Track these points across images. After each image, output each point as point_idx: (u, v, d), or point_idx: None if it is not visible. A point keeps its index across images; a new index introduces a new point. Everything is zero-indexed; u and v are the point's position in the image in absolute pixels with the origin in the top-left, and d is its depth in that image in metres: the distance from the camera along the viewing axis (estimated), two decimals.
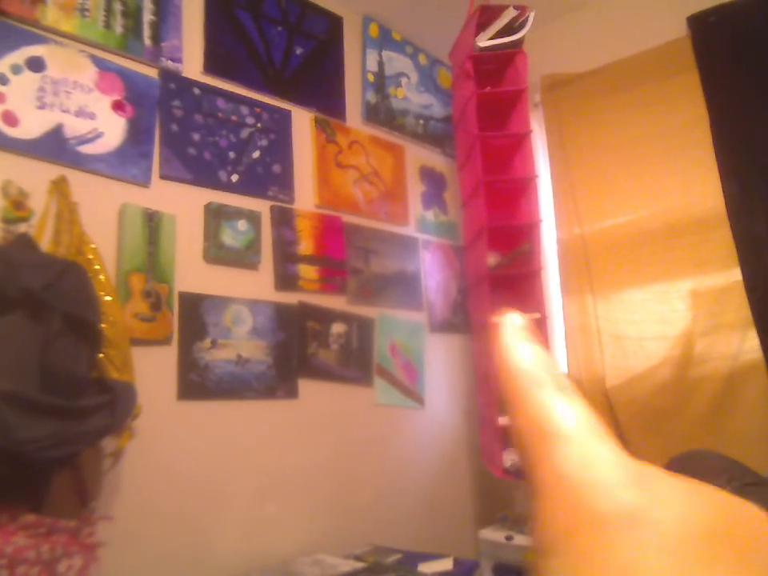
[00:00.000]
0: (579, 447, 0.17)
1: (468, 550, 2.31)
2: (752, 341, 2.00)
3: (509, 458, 2.16)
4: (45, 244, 1.49)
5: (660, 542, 0.14)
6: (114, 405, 1.39)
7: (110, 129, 1.72)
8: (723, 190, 2.11)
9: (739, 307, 2.04)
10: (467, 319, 2.58)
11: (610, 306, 2.36)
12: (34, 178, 1.55)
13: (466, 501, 2.49)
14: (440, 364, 2.50)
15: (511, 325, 0.22)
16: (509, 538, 2.11)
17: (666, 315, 2.23)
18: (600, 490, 0.16)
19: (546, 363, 0.21)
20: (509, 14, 2.25)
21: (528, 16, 2.25)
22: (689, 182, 2.22)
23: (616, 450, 0.17)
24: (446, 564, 1.83)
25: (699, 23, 2.22)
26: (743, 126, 2.10)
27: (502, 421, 2.16)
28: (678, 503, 0.15)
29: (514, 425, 0.20)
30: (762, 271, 2.02)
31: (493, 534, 2.19)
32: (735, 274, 2.07)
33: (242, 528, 1.81)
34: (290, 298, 2.04)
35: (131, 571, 1.56)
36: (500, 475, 2.15)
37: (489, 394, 2.27)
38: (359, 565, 1.76)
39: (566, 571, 0.15)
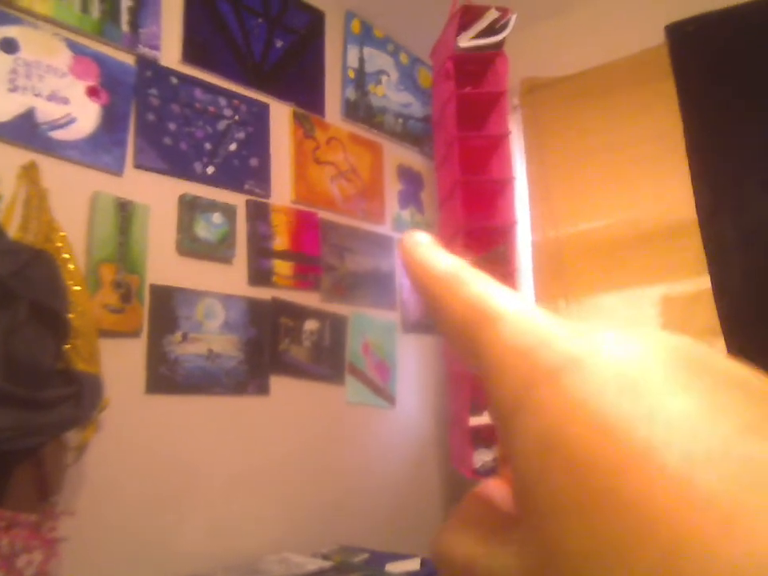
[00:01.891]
0: (520, 319, 0.17)
1: None
2: (720, 347, 2.03)
3: (479, 459, 2.17)
4: (12, 230, 1.45)
5: (607, 373, 0.14)
6: (79, 397, 1.35)
7: (83, 115, 1.68)
8: (695, 198, 2.14)
9: (708, 313, 2.07)
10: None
11: (582, 309, 2.38)
12: (3, 163, 1.51)
13: (434, 501, 2.49)
14: (412, 364, 2.50)
15: (420, 240, 0.21)
16: None
17: (637, 320, 2.26)
18: (549, 346, 0.16)
19: (461, 262, 0.20)
20: (490, 16, 2.26)
21: (510, 18, 2.26)
22: (662, 189, 2.25)
23: (557, 317, 0.17)
24: (414, 564, 1.82)
25: (677, 32, 2.25)
26: (717, 135, 2.14)
27: (473, 422, 2.17)
28: (620, 341, 0.15)
29: (445, 323, 0.19)
30: (730, 279, 2.06)
31: None
32: (705, 281, 2.10)
33: (207, 525, 1.79)
34: (264, 294, 2.02)
35: (92, 567, 1.53)
36: (470, 476, 2.16)
37: (460, 395, 2.28)
38: (326, 564, 1.75)
39: (532, 422, 0.15)
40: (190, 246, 1.85)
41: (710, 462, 0.12)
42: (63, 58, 1.67)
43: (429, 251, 0.21)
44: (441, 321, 0.20)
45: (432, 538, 0.20)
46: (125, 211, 1.71)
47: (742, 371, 0.15)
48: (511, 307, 0.18)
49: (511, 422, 0.16)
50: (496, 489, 0.21)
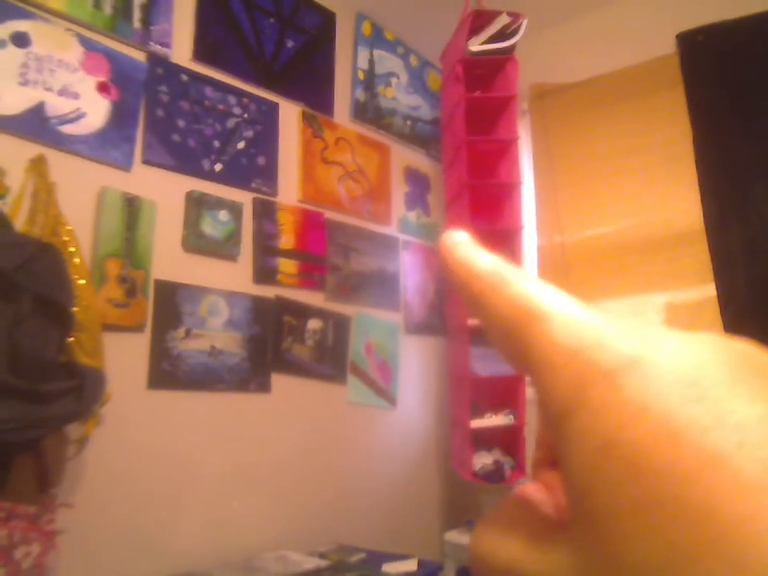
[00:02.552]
0: (569, 318, 0.17)
1: (433, 551, 2.32)
2: None
3: (479, 462, 2.17)
4: (19, 223, 1.46)
5: (670, 376, 0.14)
6: (81, 390, 1.36)
7: (93, 110, 1.69)
8: (702, 207, 2.14)
9: (712, 322, 2.07)
10: (443, 321, 2.58)
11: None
12: (12, 156, 1.52)
13: (433, 503, 2.49)
14: (414, 365, 2.50)
15: (460, 239, 0.21)
16: None
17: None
18: (602, 346, 0.15)
19: (502, 261, 0.20)
20: (502, 21, 2.26)
21: (521, 23, 2.26)
22: (669, 197, 2.25)
23: (606, 315, 0.17)
24: (410, 565, 1.83)
25: (688, 41, 2.25)
26: (725, 144, 2.13)
27: (474, 424, 2.17)
28: (678, 343, 0.15)
29: (490, 322, 0.19)
30: (735, 288, 2.05)
31: (458, 537, 2.19)
32: (710, 290, 2.10)
33: (205, 521, 1.80)
34: (268, 292, 2.02)
35: (89, 561, 1.54)
36: (470, 478, 2.16)
37: (461, 397, 2.28)
38: (323, 563, 1.75)
39: (590, 424, 0.14)
40: (195, 242, 1.85)
41: None
42: (75, 53, 1.68)
43: (469, 249, 0.21)
44: (485, 320, 0.19)
45: (470, 539, 0.20)
46: (132, 206, 1.72)
47: None
48: (559, 305, 0.17)
49: (565, 422, 0.15)
50: (536, 492, 0.20)
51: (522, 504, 0.20)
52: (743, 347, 0.15)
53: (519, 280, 0.18)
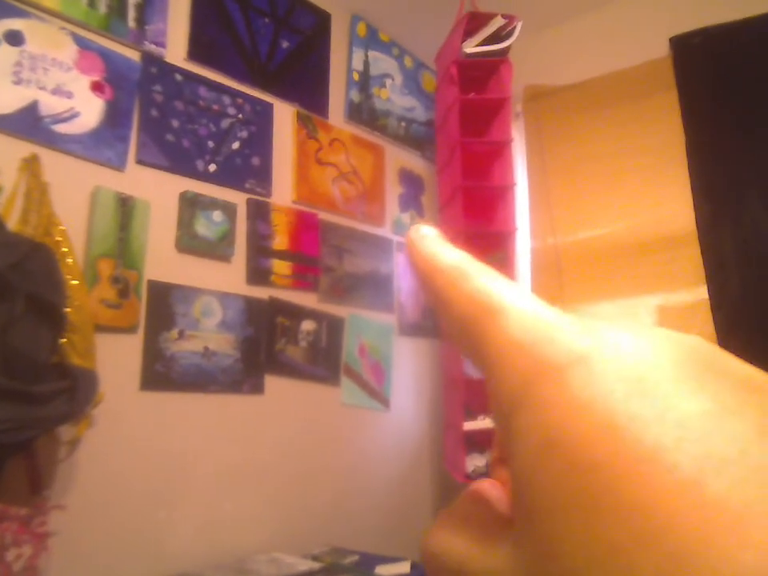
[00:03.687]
0: (524, 313, 0.17)
1: None
2: None
3: (472, 464, 2.17)
4: (12, 223, 1.45)
5: (617, 372, 0.14)
6: (73, 391, 1.35)
7: (87, 109, 1.68)
8: (695, 210, 2.15)
9: (704, 324, 2.08)
10: (437, 323, 2.58)
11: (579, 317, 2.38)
12: (5, 155, 1.51)
13: (426, 505, 2.49)
14: (408, 367, 2.50)
15: (426, 233, 0.21)
16: None
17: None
18: (553, 342, 0.15)
19: (467, 257, 0.20)
20: (496, 23, 2.27)
21: (515, 25, 2.26)
22: (662, 200, 2.26)
23: (561, 312, 0.17)
24: (404, 567, 1.82)
25: (681, 44, 2.26)
26: (718, 148, 2.14)
27: (467, 426, 2.17)
28: (628, 339, 0.15)
29: (448, 316, 0.19)
30: (727, 290, 2.06)
31: None
32: (702, 292, 2.11)
33: (198, 523, 1.79)
34: (261, 293, 2.02)
35: (82, 563, 1.53)
36: (462, 480, 2.16)
37: (454, 399, 2.28)
38: (316, 565, 1.75)
39: (534, 420, 0.14)
40: (189, 243, 1.85)
41: (723, 466, 0.12)
42: (69, 52, 1.67)
43: (435, 244, 0.20)
44: (444, 314, 0.19)
45: (423, 536, 0.20)
46: (125, 207, 1.71)
47: (755, 373, 0.14)
48: (515, 301, 0.17)
49: (512, 418, 0.15)
50: (490, 489, 0.20)
51: (476, 501, 0.20)
52: (694, 342, 0.15)
53: (480, 275, 0.18)
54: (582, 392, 0.14)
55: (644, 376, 0.14)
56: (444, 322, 0.19)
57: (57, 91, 1.63)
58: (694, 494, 0.11)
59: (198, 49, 1.98)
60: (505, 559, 0.15)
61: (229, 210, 1.95)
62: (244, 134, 2.06)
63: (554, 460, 0.13)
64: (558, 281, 2.46)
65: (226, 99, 2.03)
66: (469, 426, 2.18)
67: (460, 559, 0.17)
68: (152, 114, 1.83)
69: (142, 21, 1.84)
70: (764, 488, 0.11)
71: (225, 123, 2.01)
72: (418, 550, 0.20)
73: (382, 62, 2.61)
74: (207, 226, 1.89)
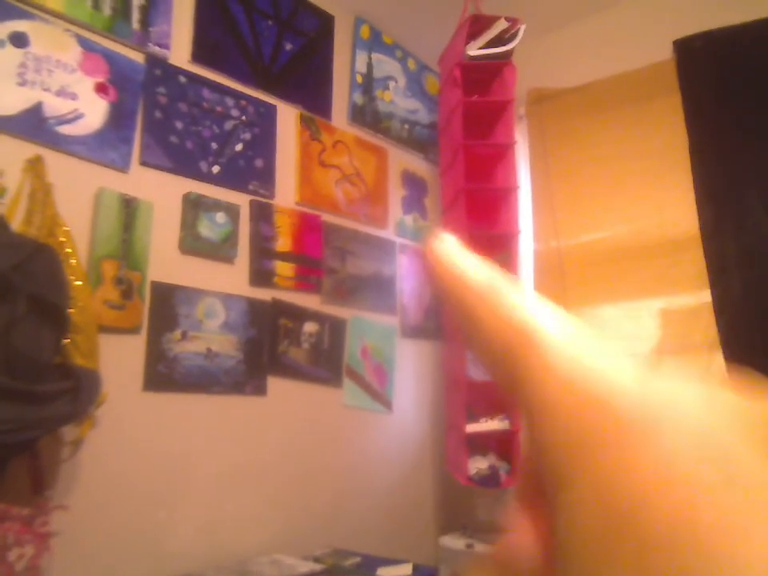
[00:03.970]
0: (571, 350, 0.15)
1: (428, 556, 2.31)
2: (719, 362, 2.03)
3: (474, 466, 2.17)
4: (16, 224, 1.45)
5: (697, 438, 0.13)
6: (76, 392, 1.36)
7: (91, 111, 1.69)
8: (698, 214, 2.14)
9: (707, 328, 2.07)
10: (439, 325, 2.58)
11: (582, 320, 2.38)
12: (9, 156, 1.51)
13: (428, 507, 2.49)
14: (410, 369, 2.50)
15: (448, 243, 0.20)
16: (469, 546, 2.12)
17: (636, 332, 2.26)
18: (610, 391, 0.14)
19: (496, 271, 0.18)
20: (500, 26, 2.27)
21: (519, 28, 2.26)
22: (664, 203, 2.25)
23: (602, 342, 0.15)
24: (405, 569, 1.82)
25: (685, 48, 2.26)
26: (721, 151, 2.14)
27: (470, 428, 2.17)
28: (699, 398, 0.14)
29: (481, 339, 0.17)
30: (730, 294, 2.06)
31: (453, 542, 2.19)
32: (705, 296, 2.10)
33: (200, 524, 1.79)
34: (264, 294, 2.02)
35: (83, 563, 1.53)
36: (465, 483, 2.15)
37: (457, 402, 2.28)
38: (317, 567, 1.75)
39: (598, 491, 0.13)
40: (192, 244, 1.85)
41: None
42: (73, 53, 1.68)
43: (461, 257, 0.19)
44: (475, 335, 0.18)
45: None
46: (129, 208, 1.71)
47: None
48: (557, 329, 0.16)
49: (566, 481, 0.13)
50: (521, 541, 0.17)
51: (507, 557, 0.17)
52: (762, 407, 0.14)
53: (513, 295, 0.17)
54: (651, 460, 0.12)
55: (719, 450, 0.12)
56: (474, 342, 0.18)
57: (61, 93, 1.64)
58: None
59: (202, 51, 1.99)
60: None
61: (232, 211, 1.96)
62: (247, 135, 2.06)
63: (627, 546, 0.12)
64: (561, 283, 2.46)
65: (230, 101, 2.04)
66: (471, 428, 2.18)
67: None
68: (156, 115, 1.84)
69: (146, 23, 1.85)
70: None
71: (228, 125, 2.02)
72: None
73: (386, 65, 2.62)
74: (210, 227, 1.90)
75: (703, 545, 0.11)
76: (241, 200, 2.01)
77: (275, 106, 2.17)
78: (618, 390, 0.14)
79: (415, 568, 1.84)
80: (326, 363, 2.18)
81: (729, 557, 0.11)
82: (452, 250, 0.19)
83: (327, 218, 2.27)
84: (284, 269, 2.08)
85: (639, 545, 0.12)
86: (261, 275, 2.02)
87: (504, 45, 2.29)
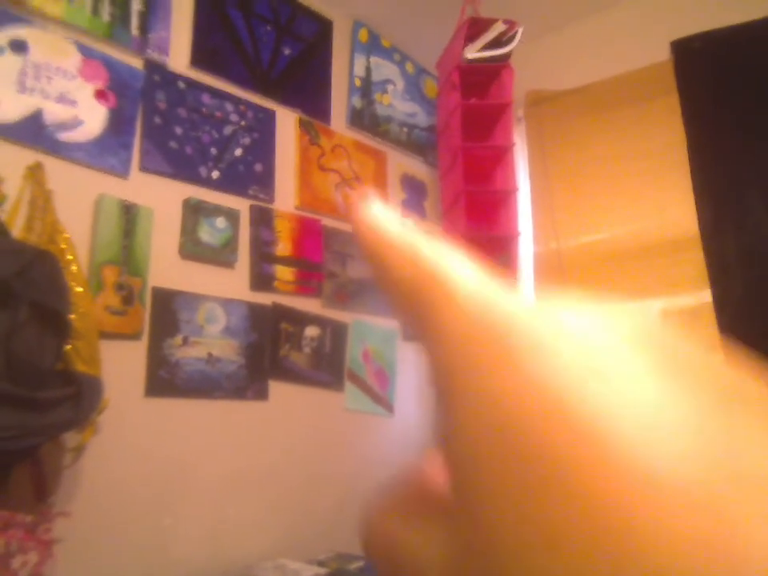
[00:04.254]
0: (479, 290, 0.16)
1: None
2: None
3: None
4: (16, 231, 1.46)
5: (575, 353, 0.13)
6: (78, 398, 1.36)
7: (90, 117, 1.69)
8: (697, 214, 2.15)
9: (707, 328, 2.07)
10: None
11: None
12: (9, 163, 1.51)
13: None
14: (412, 372, 2.50)
15: (373, 204, 0.20)
16: None
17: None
18: (505, 318, 0.14)
19: (420, 229, 0.19)
20: (497, 28, 2.27)
21: (516, 31, 2.27)
22: (664, 204, 2.26)
23: (513, 289, 0.16)
24: None
25: (682, 48, 2.26)
26: (720, 151, 2.14)
27: None
28: (587, 320, 0.14)
29: (393, 288, 0.18)
30: (730, 294, 2.06)
31: None
32: (705, 296, 2.11)
33: (203, 530, 1.79)
34: (265, 299, 2.02)
35: (87, 570, 1.53)
36: None
37: None
38: (322, 571, 1.75)
39: (480, 402, 0.13)
40: (192, 249, 1.85)
41: (679, 450, 0.11)
42: (72, 60, 1.68)
43: (382, 213, 0.20)
44: (387, 283, 0.18)
45: (364, 526, 0.18)
46: (129, 214, 1.71)
47: (720, 364, 0.14)
48: (464, 272, 0.16)
49: (458, 398, 0.14)
50: (430, 471, 0.19)
51: (417, 484, 0.19)
52: (654, 325, 0.14)
53: (428, 244, 0.18)
54: (534, 373, 0.13)
55: (601, 358, 0.13)
56: (387, 292, 0.18)
57: (61, 99, 1.64)
58: (647, 481, 0.11)
59: (201, 56, 1.99)
60: (438, 548, 0.15)
61: (232, 216, 1.96)
62: (247, 140, 2.07)
63: (500, 445, 0.13)
64: (562, 285, 2.46)
65: (229, 106, 2.04)
66: None
67: (394, 546, 0.16)
68: (155, 121, 1.84)
69: (145, 29, 1.85)
70: (721, 473, 0.11)
71: (228, 130, 2.02)
72: (361, 542, 0.18)
73: (384, 68, 2.62)
74: (210, 232, 1.90)
75: (579, 449, 0.12)
76: (241, 205, 2.01)
77: (274, 110, 2.17)
78: (510, 316, 0.14)
79: None
80: (328, 367, 2.18)
81: (608, 459, 0.11)
82: (373, 209, 0.20)
83: (327, 221, 2.27)
84: (284, 273, 2.08)
85: (511, 450, 0.12)
86: (261, 280, 2.02)
87: (502, 47, 2.30)
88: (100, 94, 1.72)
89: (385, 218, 0.19)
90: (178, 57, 1.94)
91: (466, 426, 0.14)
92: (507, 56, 2.31)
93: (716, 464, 0.11)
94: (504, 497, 0.12)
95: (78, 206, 1.63)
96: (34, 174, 1.54)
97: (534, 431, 0.12)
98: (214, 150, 1.97)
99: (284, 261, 2.09)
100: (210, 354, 1.84)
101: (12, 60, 1.57)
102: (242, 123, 2.06)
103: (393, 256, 0.18)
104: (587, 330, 0.14)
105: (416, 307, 0.17)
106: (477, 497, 0.13)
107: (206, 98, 1.98)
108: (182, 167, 1.88)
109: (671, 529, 0.10)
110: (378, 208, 0.20)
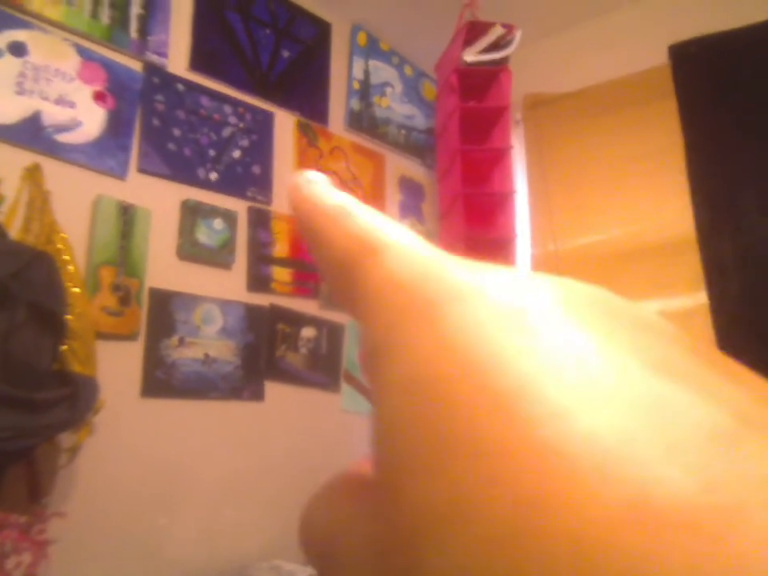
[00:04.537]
0: (409, 251, 0.15)
1: None
2: None
3: None
4: (14, 231, 1.46)
5: (495, 307, 0.12)
6: (74, 399, 1.36)
7: (89, 119, 1.70)
8: (694, 216, 2.15)
9: (704, 330, 2.08)
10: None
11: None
12: (8, 164, 1.52)
13: None
14: None
15: (311, 177, 0.20)
16: None
17: None
18: (429, 279, 0.14)
19: (357, 201, 0.18)
20: (496, 32, 2.28)
21: (515, 35, 2.28)
22: (661, 206, 2.26)
23: (449, 253, 0.15)
24: None
25: (680, 53, 2.27)
26: (717, 155, 2.15)
27: None
28: (512, 277, 0.14)
29: (326, 258, 0.17)
30: (726, 296, 2.06)
31: None
32: (701, 298, 2.11)
33: (199, 531, 1.79)
34: (262, 300, 2.03)
35: (81, 571, 1.53)
36: None
37: None
38: (316, 572, 1.75)
39: (397, 362, 0.13)
40: (190, 250, 1.86)
41: (597, 398, 0.10)
42: (72, 62, 1.69)
43: (319, 187, 0.19)
44: (321, 256, 0.18)
45: (301, 514, 0.18)
46: (127, 215, 1.72)
47: (648, 314, 0.13)
48: (398, 239, 0.16)
49: (376, 358, 0.14)
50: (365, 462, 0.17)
51: (357, 472, 0.17)
52: (584, 285, 0.14)
53: (362, 214, 0.17)
54: (451, 327, 0.12)
55: (522, 311, 0.12)
56: (321, 265, 0.18)
57: (60, 101, 1.65)
58: (558, 429, 0.10)
59: (200, 59, 2.00)
60: (366, 526, 0.14)
61: (230, 217, 1.97)
62: (245, 142, 2.08)
63: (413, 402, 0.12)
64: None
65: (228, 108, 2.05)
66: None
67: (328, 532, 0.16)
68: (154, 123, 1.85)
69: (144, 31, 1.86)
70: (640, 421, 0.10)
71: (226, 132, 2.03)
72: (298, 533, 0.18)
73: (383, 71, 2.63)
74: (208, 233, 1.91)
75: (487, 411, 0.11)
76: (238, 206, 2.02)
77: (273, 112, 2.18)
78: (432, 273, 0.14)
79: None
80: (324, 368, 2.19)
81: (515, 420, 0.10)
82: (311, 182, 0.19)
83: None
84: (282, 274, 2.09)
85: (422, 407, 0.12)
86: (258, 281, 2.03)
87: (500, 51, 2.30)
88: (99, 96, 1.73)
89: (320, 189, 0.19)
90: (177, 59, 1.95)
91: (383, 389, 0.13)
92: (505, 59, 2.32)
93: (651, 429, 0.09)
94: (421, 461, 0.11)
95: (76, 207, 1.64)
96: (32, 175, 1.55)
97: (445, 385, 0.11)
98: (212, 152, 1.98)
99: (281, 262, 2.09)
100: (206, 355, 1.85)
101: (11, 62, 1.58)
102: (241, 125, 2.07)
103: (326, 226, 0.18)
104: (513, 284, 0.13)
105: (348, 278, 0.16)
106: (396, 465, 0.12)
107: (204, 101, 1.99)
108: (180, 169, 1.89)
109: (590, 485, 0.09)
110: (317, 181, 0.19)
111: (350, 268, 0.16)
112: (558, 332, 0.11)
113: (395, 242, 0.16)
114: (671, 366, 0.11)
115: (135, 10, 1.85)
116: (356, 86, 2.51)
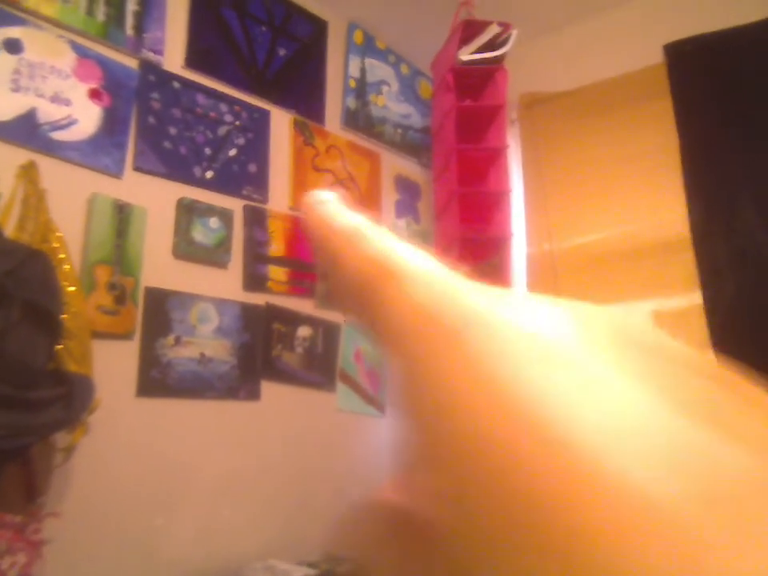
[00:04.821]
0: (427, 277, 0.15)
1: None
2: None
3: None
4: (9, 230, 1.45)
5: (524, 336, 0.12)
6: (70, 398, 1.36)
7: (84, 116, 1.69)
8: (689, 216, 2.16)
9: (698, 330, 2.08)
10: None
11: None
12: (3, 162, 1.52)
13: None
14: None
15: (324, 197, 0.20)
16: None
17: None
18: (452, 302, 0.14)
19: (371, 222, 0.18)
20: (492, 31, 2.28)
21: (511, 33, 2.28)
22: (657, 206, 2.27)
23: (467, 278, 0.15)
24: None
25: (675, 52, 2.27)
26: (712, 154, 2.15)
27: None
28: (540, 305, 0.14)
29: (342, 281, 0.17)
30: (721, 296, 2.07)
31: None
32: (696, 298, 2.12)
33: (194, 530, 1.79)
34: (258, 299, 2.02)
35: (76, 571, 1.52)
36: None
37: None
38: (312, 572, 1.75)
39: (426, 389, 0.13)
40: (186, 249, 1.85)
41: (629, 443, 0.10)
42: (67, 59, 1.68)
43: (333, 207, 0.19)
44: (337, 278, 0.18)
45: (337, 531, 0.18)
46: (122, 213, 1.71)
47: (687, 352, 0.13)
48: (417, 263, 0.16)
49: (413, 404, 0.14)
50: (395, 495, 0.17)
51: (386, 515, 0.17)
52: (613, 313, 0.14)
53: (377, 237, 0.17)
54: (477, 356, 0.12)
55: (549, 341, 0.12)
56: (336, 286, 0.18)
57: (55, 99, 1.64)
58: (590, 473, 0.10)
59: (196, 56, 2.00)
60: (418, 560, 0.14)
61: (226, 216, 1.96)
62: (241, 140, 2.07)
63: (444, 438, 0.12)
64: (554, 286, 2.46)
65: (224, 106, 2.04)
66: None
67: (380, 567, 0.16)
68: (149, 121, 1.84)
69: (139, 29, 1.85)
70: (694, 489, 0.10)
71: (222, 130, 2.02)
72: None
73: (379, 70, 2.63)
74: (204, 232, 1.90)
75: (515, 451, 0.11)
76: (234, 205, 2.01)
77: (269, 111, 2.17)
78: (465, 310, 0.14)
79: None
80: (320, 367, 2.19)
81: (538, 464, 0.10)
82: (324, 202, 0.20)
83: None
84: (277, 273, 2.08)
85: (456, 442, 0.12)
86: (254, 280, 2.02)
87: (496, 49, 2.30)
88: (94, 94, 1.72)
89: (333, 210, 0.19)
90: (173, 57, 1.94)
91: (423, 428, 0.13)
92: (501, 58, 2.32)
93: (687, 479, 0.10)
94: (451, 500, 0.11)
95: (72, 205, 1.63)
96: (28, 173, 1.54)
97: (487, 434, 0.11)
98: (208, 150, 1.97)
99: (277, 261, 2.09)
100: (202, 354, 1.85)
101: (6, 59, 1.57)
102: (237, 123, 2.07)
103: (341, 249, 0.18)
104: (540, 313, 0.13)
105: (366, 301, 0.16)
106: (420, 502, 0.12)
107: (200, 98, 1.98)
108: (175, 167, 1.88)
109: (638, 548, 0.09)
110: (330, 201, 0.20)
111: (367, 291, 0.16)
112: (585, 367, 0.12)
113: (411, 266, 0.16)
114: (700, 407, 0.11)
115: (131, 6, 1.84)
116: (352, 84, 2.50)
